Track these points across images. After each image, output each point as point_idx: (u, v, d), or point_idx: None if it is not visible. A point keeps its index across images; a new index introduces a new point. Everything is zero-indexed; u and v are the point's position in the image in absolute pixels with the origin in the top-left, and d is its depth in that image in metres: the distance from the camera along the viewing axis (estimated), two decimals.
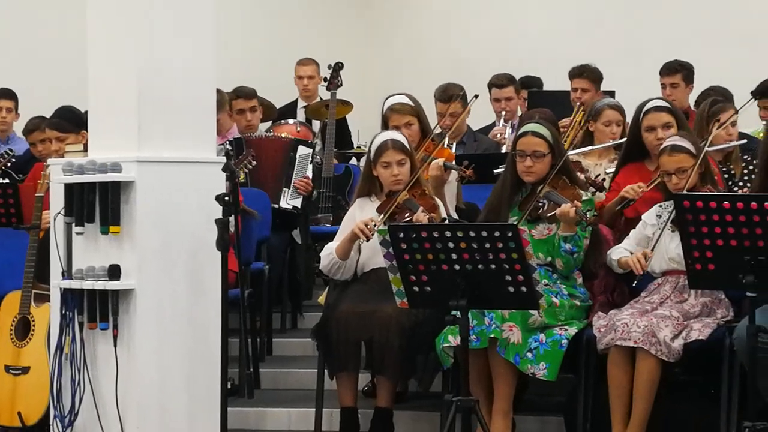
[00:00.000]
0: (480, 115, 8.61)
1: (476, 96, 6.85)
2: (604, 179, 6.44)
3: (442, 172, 6.30)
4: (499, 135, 8.33)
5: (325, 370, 5.98)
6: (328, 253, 6.06)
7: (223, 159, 5.61)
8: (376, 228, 5.80)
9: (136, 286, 5.55)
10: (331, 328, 5.83)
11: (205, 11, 5.77)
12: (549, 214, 5.78)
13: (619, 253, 5.77)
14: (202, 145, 5.76)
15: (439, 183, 6.34)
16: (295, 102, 9.55)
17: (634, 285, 5.71)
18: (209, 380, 5.58)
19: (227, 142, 7.71)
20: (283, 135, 8.17)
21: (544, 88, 9.50)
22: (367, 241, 5.86)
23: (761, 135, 7.95)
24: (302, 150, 7.84)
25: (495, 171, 6.48)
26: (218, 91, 6.48)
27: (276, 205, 7.59)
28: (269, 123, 8.80)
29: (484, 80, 8.84)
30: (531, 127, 5.96)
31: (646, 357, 5.38)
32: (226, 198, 5.47)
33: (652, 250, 5.64)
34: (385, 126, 6.51)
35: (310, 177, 7.83)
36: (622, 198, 6.01)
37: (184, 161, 5.66)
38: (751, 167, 6.70)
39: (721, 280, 5.00)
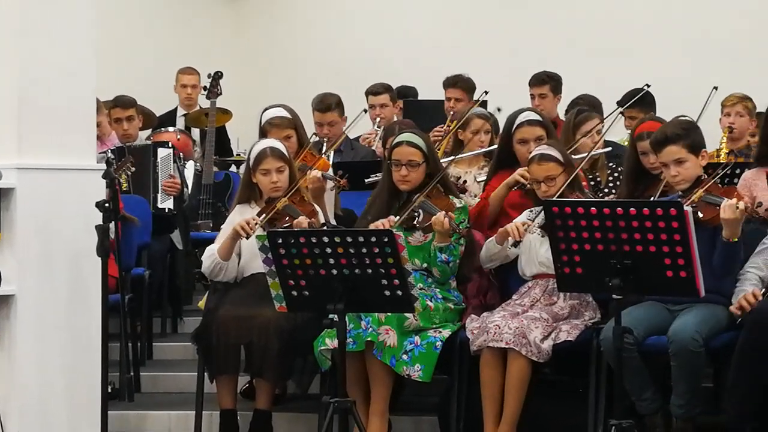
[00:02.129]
0: (357, 123, 8.67)
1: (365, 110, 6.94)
2: (465, 181, 6.51)
3: (322, 183, 6.31)
4: (369, 138, 8.36)
5: (205, 374, 5.96)
6: (210, 254, 6.04)
7: (103, 166, 5.57)
8: (257, 226, 5.80)
9: (16, 291, 5.48)
10: (210, 332, 5.82)
11: (85, 20, 5.72)
12: (424, 225, 5.84)
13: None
14: (82, 152, 5.71)
15: (320, 193, 6.35)
16: (175, 110, 9.48)
17: (515, 245, 5.69)
18: (90, 384, 5.53)
19: (109, 150, 7.66)
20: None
21: (420, 98, 9.57)
22: (247, 238, 5.86)
23: (626, 143, 8.13)
24: (162, 152, 7.81)
25: (366, 180, 6.52)
26: None
27: (152, 210, 7.57)
28: (149, 131, 8.74)
29: (362, 89, 8.89)
30: (406, 137, 5.99)
31: (517, 357, 5.46)
32: (106, 205, 5.43)
33: (531, 223, 5.69)
34: (264, 138, 6.49)
35: (177, 176, 7.78)
36: (515, 181, 6.01)
37: (65, 168, 5.61)
38: (616, 174, 6.83)
39: (589, 284, 5.06)
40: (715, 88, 7.32)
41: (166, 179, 7.73)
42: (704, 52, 10.13)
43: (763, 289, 5.29)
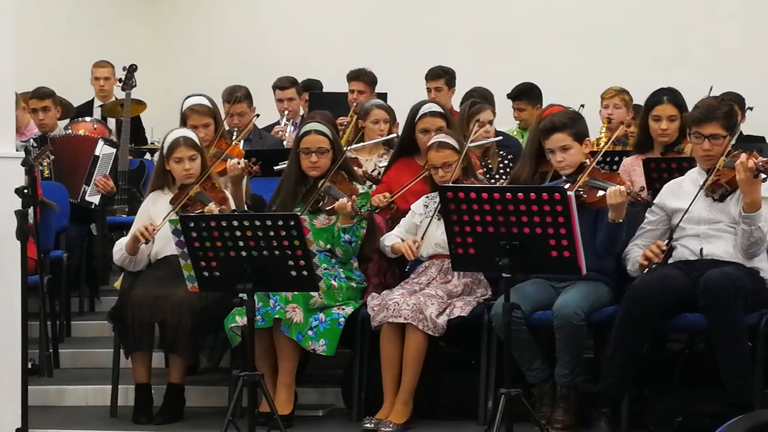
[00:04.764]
0: (264, 114, 8.65)
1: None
2: (379, 173, 6.54)
3: (242, 170, 6.27)
4: (280, 132, 8.37)
5: (121, 350, 5.92)
6: (119, 248, 5.99)
7: (22, 154, 5.49)
8: (155, 232, 5.78)
9: None
10: (126, 310, 5.77)
11: (4, 15, 5.62)
12: (328, 208, 5.85)
13: (392, 239, 5.87)
14: (1, 141, 5.62)
15: (239, 180, 6.33)
16: (92, 101, 9.39)
17: (407, 269, 5.83)
18: (11, 361, 5.45)
19: (32, 139, 7.56)
20: (81, 132, 8.08)
21: (324, 90, 9.57)
22: (146, 243, 5.85)
23: (515, 133, 8.21)
24: (106, 149, 7.75)
25: (275, 168, 6.51)
26: None
27: (73, 200, 7.49)
28: (67, 121, 8.64)
29: (269, 81, 8.87)
30: (314, 126, 6.00)
31: (414, 332, 5.49)
32: (25, 191, 5.35)
33: (422, 238, 5.77)
34: (184, 124, 6.45)
35: (111, 176, 7.74)
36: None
37: None
38: (506, 161, 6.90)
39: (481, 263, 5.11)
40: (582, 105, 7.50)
41: (100, 177, 7.67)
42: (587, 48, 10.27)
43: (667, 240, 5.36)
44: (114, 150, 7.78)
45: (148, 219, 5.96)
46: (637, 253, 5.41)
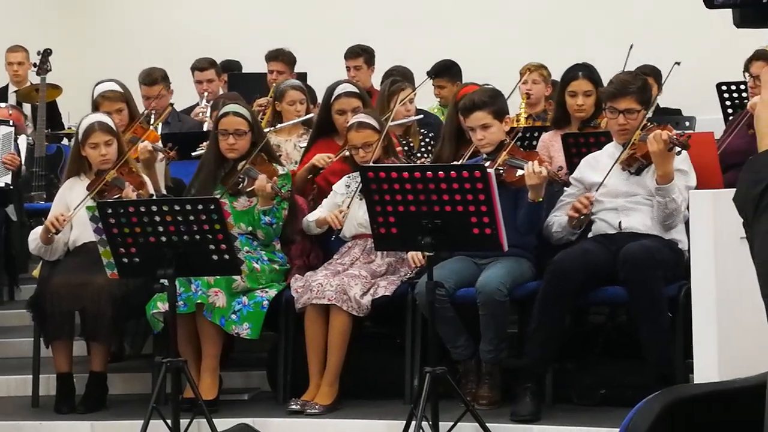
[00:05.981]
0: (183, 96, 8.57)
1: None
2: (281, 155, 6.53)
3: (153, 154, 6.21)
4: (201, 114, 8.30)
5: (41, 339, 5.85)
6: (34, 238, 5.92)
7: None
8: (65, 222, 5.71)
9: None
10: (45, 299, 5.70)
11: None
12: (248, 189, 5.82)
13: (315, 216, 5.86)
14: None
15: (150, 164, 6.26)
16: (6, 87, 9.25)
17: (333, 239, 5.79)
18: None
19: None
20: None
21: (244, 71, 9.51)
22: (57, 234, 5.78)
23: (436, 111, 8.22)
24: (3, 129, 7.63)
25: (193, 153, 6.46)
26: None
27: None
28: None
29: (189, 63, 8.79)
30: (232, 107, 5.96)
31: (338, 313, 5.49)
32: None
33: (348, 207, 5.75)
34: (96, 111, 6.36)
35: (16, 153, 7.62)
36: (313, 166, 6.08)
37: None
38: (428, 140, 6.90)
39: (403, 242, 5.12)
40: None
41: (6, 155, 7.55)
42: (505, 24, 10.30)
43: (595, 191, 5.38)
44: (11, 129, 7.65)
45: (65, 206, 5.89)
46: (561, 218, 5.44)
